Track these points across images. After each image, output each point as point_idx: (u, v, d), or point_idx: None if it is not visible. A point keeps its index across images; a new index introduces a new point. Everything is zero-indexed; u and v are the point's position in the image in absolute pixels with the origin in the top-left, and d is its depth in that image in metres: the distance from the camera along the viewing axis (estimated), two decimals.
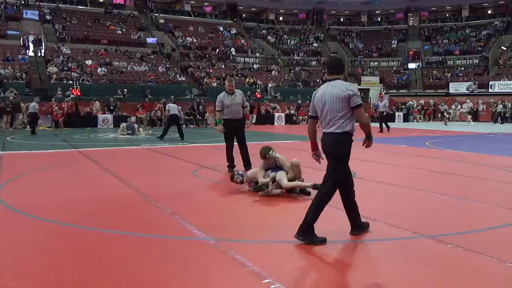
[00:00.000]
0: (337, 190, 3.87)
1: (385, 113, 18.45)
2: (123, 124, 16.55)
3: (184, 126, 22.10)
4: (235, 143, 7.52)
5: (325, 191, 3.80)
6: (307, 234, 3.70)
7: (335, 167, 3.79)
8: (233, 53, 34.08)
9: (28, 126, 19.45)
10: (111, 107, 21.73)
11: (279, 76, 32.87)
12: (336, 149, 3.78)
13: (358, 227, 4.01)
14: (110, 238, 3.97)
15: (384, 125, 17.90)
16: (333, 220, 4.61)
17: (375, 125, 22.57)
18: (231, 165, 7.44)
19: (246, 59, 34.20)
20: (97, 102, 21.64)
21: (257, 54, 35.72)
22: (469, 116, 23.71)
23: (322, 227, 4.30)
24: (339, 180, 3.81)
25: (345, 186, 3.89)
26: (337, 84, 3.79)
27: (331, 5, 43.61)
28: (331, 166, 3.81)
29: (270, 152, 5.60)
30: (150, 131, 16.86)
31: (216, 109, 7.50)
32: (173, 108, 14.32)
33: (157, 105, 22.23)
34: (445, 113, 24.68)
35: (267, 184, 5.47)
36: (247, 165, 7.31)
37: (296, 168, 5.65)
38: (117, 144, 12.77)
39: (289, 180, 5.55)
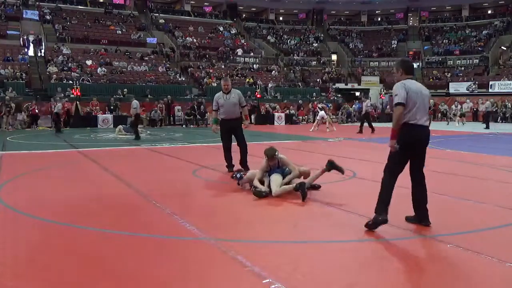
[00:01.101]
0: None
1: (364, 113, 17.77)
2: (120, 127, 16.59)
3: (184, 126, 22.14)
4: (234, 143, 7.49)
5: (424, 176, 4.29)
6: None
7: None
8: (239, 53, 34.16)
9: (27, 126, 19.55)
10: (111, 107, 21.73)
11: (279, 76, 32.88)
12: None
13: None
14: (110, 238, 3.97)
15: (363, 126, 17.12)
16: (333, 220, 4.61)
17: (379, 125, 22.53)
18: (230, 165, 7.42)
19: (246, 59, 34.22)
20: (76, 102, 21.10)
21: (261, 53, 35.73)
22: (458, 118, 23.70)
23: (322, 227, 4.30)
24: None
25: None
26: (420, 84, 4.28)
27: (331, 5, 43.61)
28: (424, 157, 4.23)
29: (276, 153, 5.60)
30: (147, 132, 16.88)
31: (213, 109, 7.61)
32: (139, 105, 14.22)
33: (158, 105, 22.28)
34: (450, 114, 24.49)
35: (266, 191, 5.46)
36: (244, 167, 7.26)
37: (305, 174, 5.68)
38: (117, 144, 12.76)
39: (291, 181, 5.57)
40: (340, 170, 5.66)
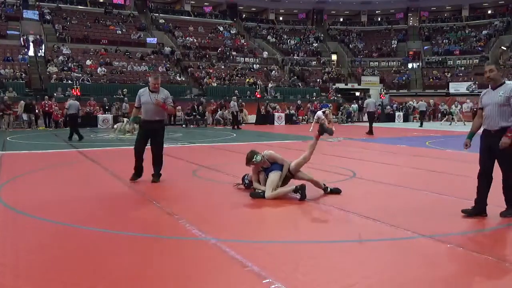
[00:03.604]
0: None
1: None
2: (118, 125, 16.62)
3: (184, 126, 22.13)
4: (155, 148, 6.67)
5: None
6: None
7: None
8: (265, 55, 34.65)
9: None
10: (106, 107, 21.69)
11: (279, 76, 32.89)
12: None
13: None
14: (110, 238, 3.97)
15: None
16: (333, 220, 4.61)
17: (377, 125, 22.53)
18: (137, 173, 6.51)
19: (246, 59, 34.22)
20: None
21: (275, 54, 35.73)
22: (447, 117, 24.40)
23: (322, 227, 4.31)
24: None
25: None
26: None
27: (331, 5, 43.64)
28: None
29: (255, 158, 5.44)
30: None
31: (135, 105, 6.76)
32: (73, 106, 13.57)
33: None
34: (454, 116, 24.49)
35: (263, 192, 5.42)
36: (154, 174, 6.59)
37: (314, 182, 5.61)
38: (117, 144, 12.76)
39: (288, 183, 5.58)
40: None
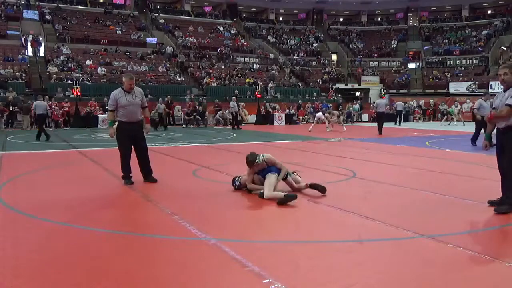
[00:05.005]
0: None
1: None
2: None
3: (184, 126, 22.13)
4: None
5: None
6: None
7: None
8: (272, 57, 34.73)
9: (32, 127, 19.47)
10: (106, 107, 21.68)
11: (279, 76, 32.90)
12: None
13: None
14: (110, 238, 3.97)
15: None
16: (333, 220, 4.61)
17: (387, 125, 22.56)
18: (127, 176, 6.41)
19: (246, 59, 34.22)
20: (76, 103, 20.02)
21: (271, 55, 35.71)
22: (448, 117, 24.76)
23: (322, 227, 4.30)
24: None
25: None
26: None
27: (331, 5, 43.65)
28: None
29: (258, 159, 5.54)
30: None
31: (109, 108, 6.49)
32: (40, 106, 13.76)
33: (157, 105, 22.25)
34: (453, 116, 24.47)
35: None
36: (147, 176, 6.55)
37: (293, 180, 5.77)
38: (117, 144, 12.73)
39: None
40: (322, 189, 5.57)
